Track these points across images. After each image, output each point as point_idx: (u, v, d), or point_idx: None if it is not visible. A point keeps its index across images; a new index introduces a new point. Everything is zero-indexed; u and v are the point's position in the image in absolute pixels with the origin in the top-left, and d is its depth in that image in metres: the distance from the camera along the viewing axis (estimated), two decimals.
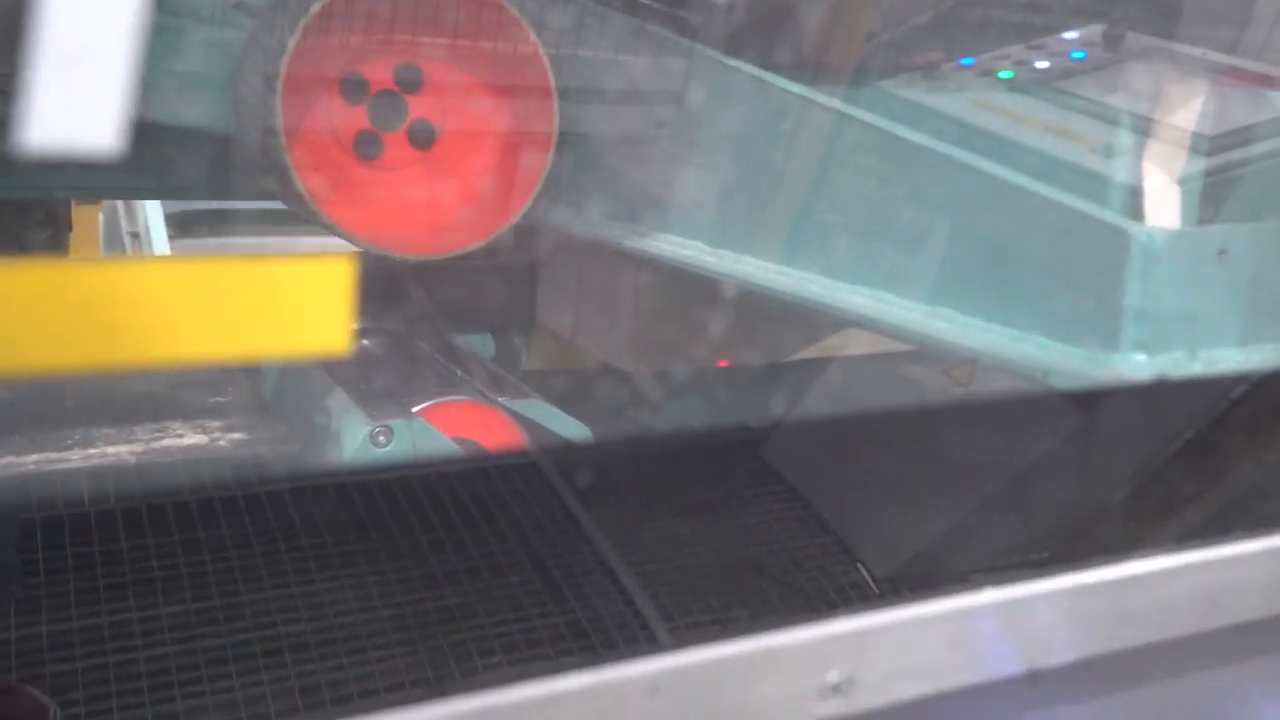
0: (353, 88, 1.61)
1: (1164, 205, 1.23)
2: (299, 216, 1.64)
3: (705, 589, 1.59)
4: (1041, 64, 1.63)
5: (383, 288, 2.02)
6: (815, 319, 1.46)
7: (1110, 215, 1.17)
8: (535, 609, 1.54)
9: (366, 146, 1.62)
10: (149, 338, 0.55)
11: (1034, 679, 0.91)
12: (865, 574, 1.59)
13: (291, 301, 0.59)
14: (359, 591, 1.54)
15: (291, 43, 1.47)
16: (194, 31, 1.52)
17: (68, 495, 1.53)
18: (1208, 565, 0.97)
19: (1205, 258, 1.18)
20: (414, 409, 1.75)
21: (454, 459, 1.75)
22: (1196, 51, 1.66)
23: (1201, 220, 1.30)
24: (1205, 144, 1.41)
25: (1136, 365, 1.13)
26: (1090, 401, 1.40)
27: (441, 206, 1.74)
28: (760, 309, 1.69)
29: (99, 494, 1.56)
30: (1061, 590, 0.91)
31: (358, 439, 1.66)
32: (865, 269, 1.39)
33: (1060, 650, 0.93)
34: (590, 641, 1.50)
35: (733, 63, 1.53)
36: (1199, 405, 1.38)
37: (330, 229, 1.60)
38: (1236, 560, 0.99)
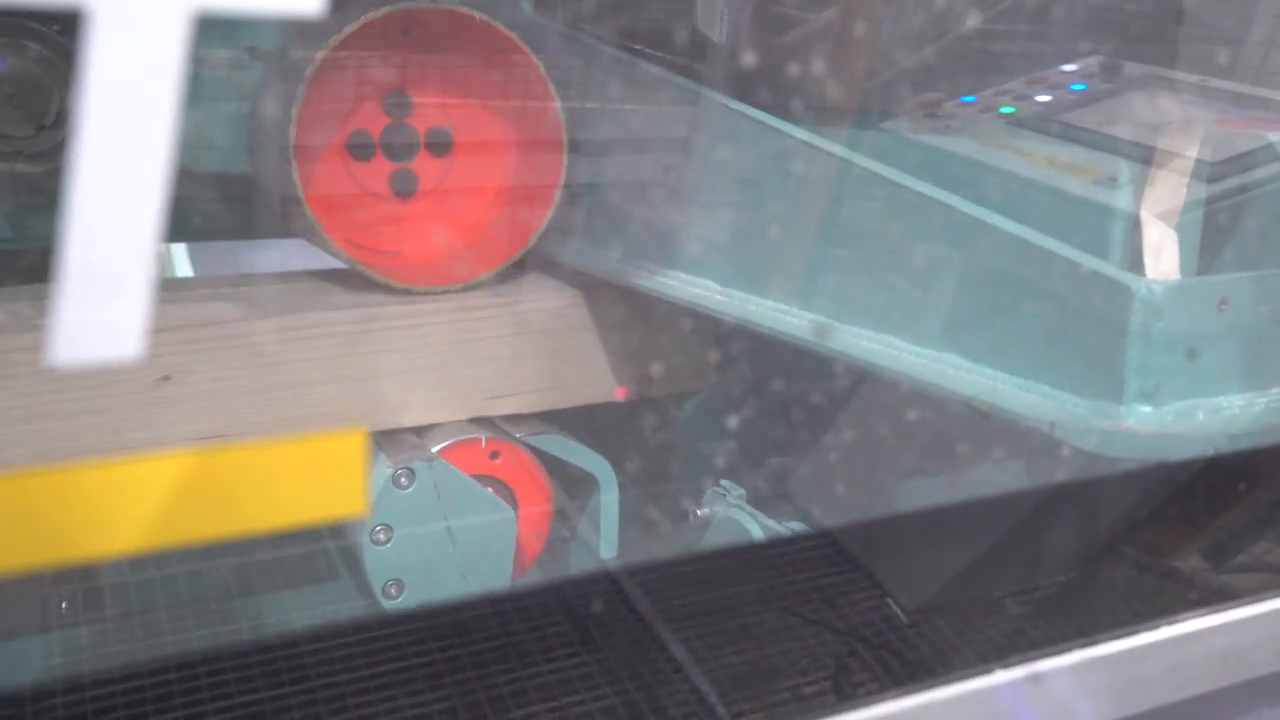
0: (360, 141, 1.65)
1: (1164, 251, 1.24)
2: None
3: (735, 631, 1.60)
4: (1042, 98, 1.64)
5: None
6: (823, 361, 1.47)
7: (1110, 268, 1.18)
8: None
9: (401, 183, 1.68)
10: (165, 525, 0.57)
11: None
12: (895, 608, 1.60)
13: (308, 476, 0.61)
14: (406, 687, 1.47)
15: (302, 90, 1.50)
16: (209, 79, 1.55)
17: None
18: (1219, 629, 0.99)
19: (1206, 308, 1.18)
20: (434, 449, 1.77)
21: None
22: (1194, 78, 1.66)
23: (1202, 255, 1.31)
24: (1205, 171, 1.42)
25: (1141, 416, 1.14)
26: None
27: (451, 238, 1.77)
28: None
29: None
30: (1074, 665, 0.93)
31: (380, 482, 1.69)
32: (871, 313, 1.41)
33: None
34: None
35: (736, 106, 1.55)
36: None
37: (349, 264, 1.63)
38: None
